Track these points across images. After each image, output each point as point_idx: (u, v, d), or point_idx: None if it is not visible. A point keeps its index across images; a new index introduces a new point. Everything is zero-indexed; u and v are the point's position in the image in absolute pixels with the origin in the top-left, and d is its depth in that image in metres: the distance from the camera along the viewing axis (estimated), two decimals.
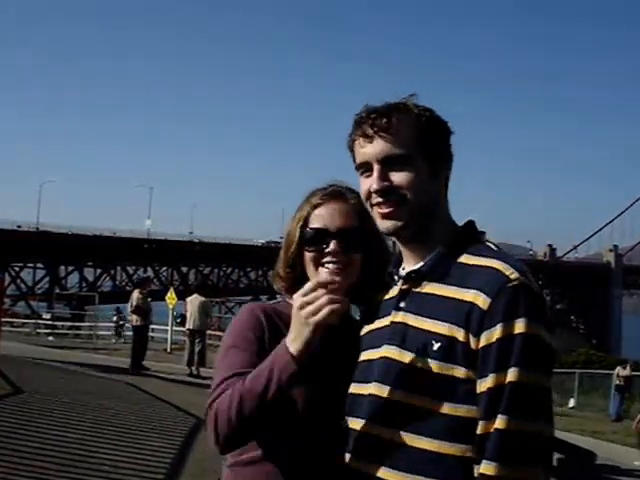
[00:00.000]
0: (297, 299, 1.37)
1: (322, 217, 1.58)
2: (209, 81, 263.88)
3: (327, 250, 1.55)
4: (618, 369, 17.52)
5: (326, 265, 1.56)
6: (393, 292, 1.49)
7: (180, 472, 5.17)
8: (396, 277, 1.50)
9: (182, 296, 17.90)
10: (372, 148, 1.43)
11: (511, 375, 1.25)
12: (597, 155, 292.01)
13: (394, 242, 1.55)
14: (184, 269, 56.06)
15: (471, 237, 1.45)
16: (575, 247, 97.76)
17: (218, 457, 1.55)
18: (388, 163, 1.42)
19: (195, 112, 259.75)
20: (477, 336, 1.29)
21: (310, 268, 1.58)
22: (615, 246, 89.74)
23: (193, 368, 13.05)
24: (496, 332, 1.27)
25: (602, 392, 18.35)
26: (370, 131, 1.43)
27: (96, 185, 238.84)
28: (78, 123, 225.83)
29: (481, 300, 1.29)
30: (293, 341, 1.36)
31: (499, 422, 1.25)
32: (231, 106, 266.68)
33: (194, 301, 13.61)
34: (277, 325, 1.56)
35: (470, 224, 1.49)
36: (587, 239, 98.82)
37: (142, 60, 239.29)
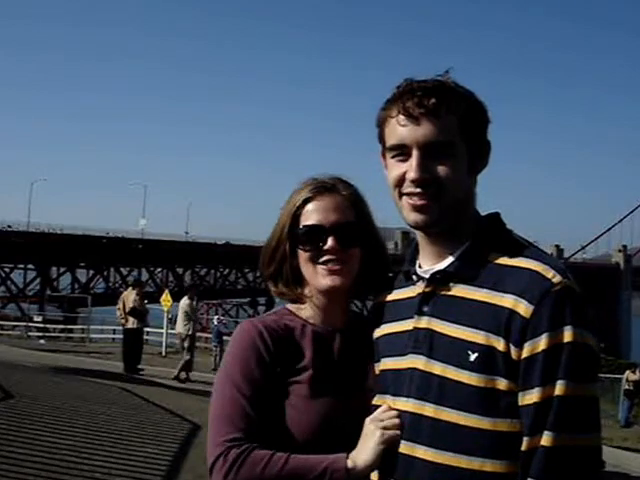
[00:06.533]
0: (372, 422, 1.33)
1: (314, 213, 1.46)
2: (208, 78, 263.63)
3: (324, 248, 1.44)
4: (627, 373, 17.32)
5: (324, 263, 1.45)
6: (412, 292, 1.36)
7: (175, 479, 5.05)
8: (414, 276, 1.36)
9: (178, 298, 17.69)
10: (415, 130, 1.28)
11: (559, 388, 1.16)
12: (605, 153, 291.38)
13: (405, 234, 1.41)
14: (179, 270, 55.83)
15: (500, 232, 1.33)
16: (583, 247, 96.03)
17: None
18: (430, 150, 1.28)
19: (193, 110, 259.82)
20: (519, 346, 1.18)
21: (307, 268, 1.47)
22: (624, 246, 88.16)
23: (182, 373, 12.72)
24: (541, 342, 1.17)
25: (611, 397, 18.12)
26: (416, 111, 1.27)
27: (89, 184, 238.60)
28: (74, 121, 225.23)
29: (522, 307, 1.19)
30: (357, 453, 1.31)
31: (545, 439, 1.16)
32: (231, 104, 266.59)
33: (181, 304, 13.42)
34: (283, 341, 1.44)
35: (496, 217, 1.35)
36: (595, 239, 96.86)
37: (140, 59, 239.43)
